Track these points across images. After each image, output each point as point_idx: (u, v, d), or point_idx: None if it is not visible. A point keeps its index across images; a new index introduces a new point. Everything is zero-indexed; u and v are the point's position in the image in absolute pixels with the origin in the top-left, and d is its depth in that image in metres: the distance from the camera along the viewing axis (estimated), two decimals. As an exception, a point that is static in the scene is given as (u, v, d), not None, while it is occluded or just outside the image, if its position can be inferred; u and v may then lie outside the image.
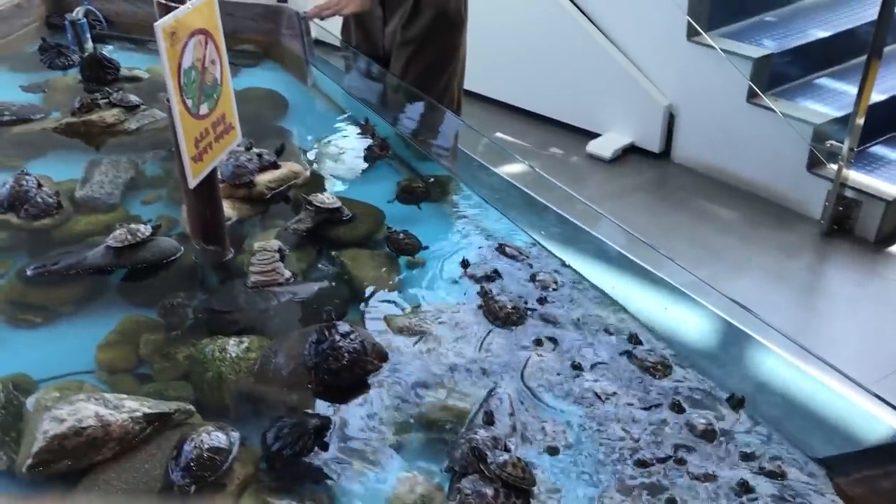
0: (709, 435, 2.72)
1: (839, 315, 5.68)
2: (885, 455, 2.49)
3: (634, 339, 3.14)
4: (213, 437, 2.65)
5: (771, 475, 2.57)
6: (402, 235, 3.78)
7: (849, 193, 6.24)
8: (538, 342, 3.14)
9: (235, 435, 2.69)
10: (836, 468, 2.57)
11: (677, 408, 2.82)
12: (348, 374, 2.90)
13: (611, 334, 3.19)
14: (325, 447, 2.72)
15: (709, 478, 2.57)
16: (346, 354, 2.91)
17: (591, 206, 3.93)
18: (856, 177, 6.25)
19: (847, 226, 6.35)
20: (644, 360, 3.04)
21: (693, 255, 6.03)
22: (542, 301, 3.35)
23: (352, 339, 2.96)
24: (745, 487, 2.52)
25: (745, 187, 6.91)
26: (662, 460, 2.64)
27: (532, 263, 3.61)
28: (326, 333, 2.96)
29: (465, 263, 3.56)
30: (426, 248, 3.70)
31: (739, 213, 6.79)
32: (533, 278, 3.48)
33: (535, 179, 4.36)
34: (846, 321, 5.58)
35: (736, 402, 2.85)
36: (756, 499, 2.51)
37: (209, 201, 3.48)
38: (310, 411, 2.83)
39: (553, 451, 2.68)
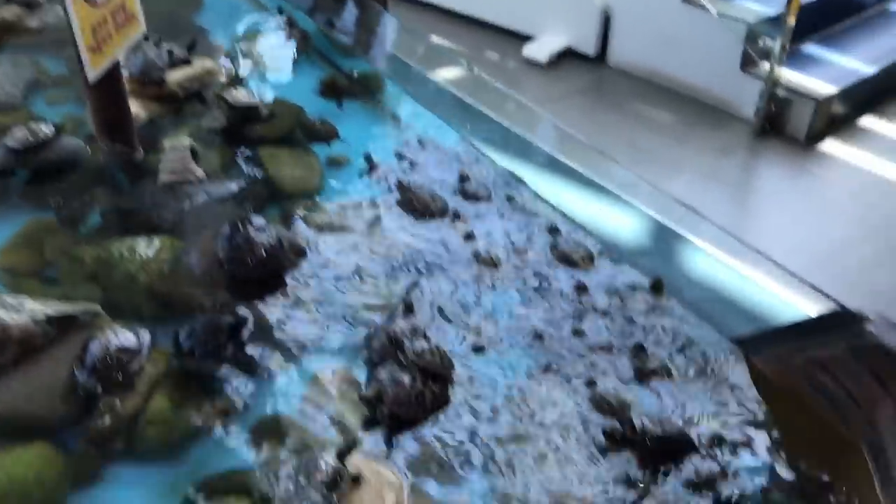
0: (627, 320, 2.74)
1: (771, 212, 5.74)
2: (798, 333, 2.51)
3: (554, 231, 3.11)
4: (122, 337, 2.56)
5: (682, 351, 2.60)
6: (318, 123, 3.67)
7: (781, 93, 6.24)
8: (468, 236, 3.08)
9: (146, 335, 2.60)
10: (752, 347, 2.59)
11: (579, 288, 2.83)
12: (263, 269, 2.81)
13: (536, 228, 3.14)
14: (241, 346, 2.64)
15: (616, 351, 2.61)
16: (261, 248, 2.81)
17: (527, 105, 3.86)
18: (788, 76, 6.24)
19: (779, 125, 6.38)
20: (569, 252, 3.01)
21: (629, 157, 6.00)
22: (465, 194, 3.28)
23: (267, 234, 2.86)
24: (638, 352, 2.60)
25: (680, 89, 6.87)
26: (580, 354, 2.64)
27: (461, 161, 3.52)
28: (240, 227, 2.85)
29: (368, 159, 3.44)
30: (341, 139, 3.61)
31: (674, 115, 6.76)
32: (462, 178, 3.39)
33: (469, 79, 4.24)
34: (778, 217, 5.65)
35: (656, 286, 2.85)
36: (670, 373, 2.54)
37: (114, 97, 3.28)
38: (225, 310, 2.74)
39: (478, 349, 2.64)
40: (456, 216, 3.16)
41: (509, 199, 3.29)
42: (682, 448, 2.28)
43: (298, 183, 3.39)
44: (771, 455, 2.32)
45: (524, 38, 7.68)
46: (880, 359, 2.20)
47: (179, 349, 2.58)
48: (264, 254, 2.80)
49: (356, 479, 2.14)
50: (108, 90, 3.24)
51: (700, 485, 2.22)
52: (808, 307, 2.67)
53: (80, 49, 2.99)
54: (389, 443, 2.34)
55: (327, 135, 3.63)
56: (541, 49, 7.53)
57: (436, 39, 5.69)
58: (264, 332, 2.68)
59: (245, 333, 2.63)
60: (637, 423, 2.30)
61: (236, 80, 4.02)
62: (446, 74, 4.24)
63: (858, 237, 5.46)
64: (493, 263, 2.95)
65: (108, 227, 3.13)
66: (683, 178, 6.04)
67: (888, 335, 2.24)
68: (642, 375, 2.53)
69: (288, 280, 2.88)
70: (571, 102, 7.14)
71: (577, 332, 2.68)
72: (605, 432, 2.31)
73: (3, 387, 2.45)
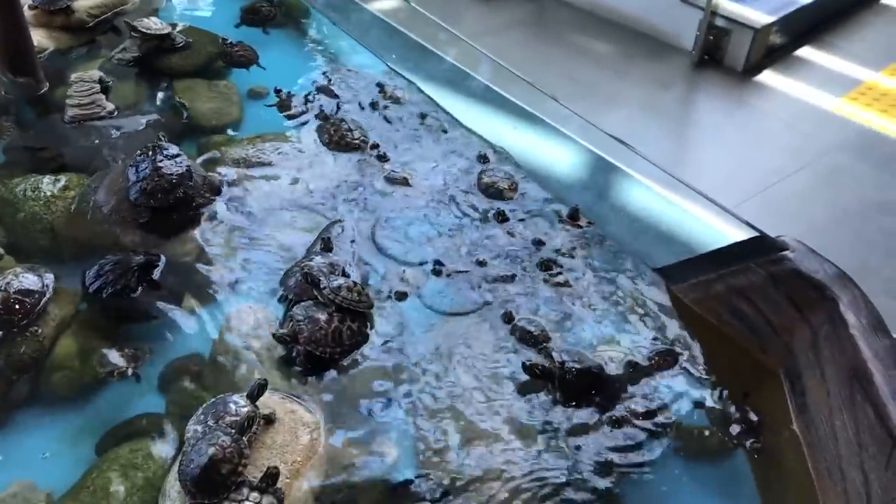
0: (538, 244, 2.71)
1: (708, 143, 5.71)
2: (718, 261, 2.49)
3: (483, 159, 3.04)
4: (23, 278, 2.43)
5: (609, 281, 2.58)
6: (236, 48, 3.54)
7: (719, 23, 6.17)
8: (381, 157, 2.99)
9: (49, 276, 2.48)
10: (673, 276, 2.57)
11: (500, 217, 2.78)
12: (172, 198, 2.68)
13: (461, 156, 3.07)
14: (154, 285, 2.54)
15: (560, 285, 2.57)
16: (170, 176, 2.68)
17: (460, 37, 3.74)
18: (726, 5, 6.16)
19: (717, 56, 6.31)
20: (495, 182, 2.94)
21: (568, 90, 5.89)
22: (383, 114, 3.19)
23: (178, 162, 2.73)
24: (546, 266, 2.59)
25: (621, 20, 6.75)
26: (504, 278, 2.59)
27: (386, 92, 3.40)
28: (150, 153, 2.72)
29: (278, 93, 3.33)
30: (263, 67, 3.50)
31: (614, 47, 6.66)
32: (374, 106, 3.28)
33: (401, 11, 4.09)
34: (714, 148, 5.61)
35: (573, 213, 2.80)
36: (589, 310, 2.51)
37: (12, 25, 3.08)
38: (136, 249, 2.62)
39: (401, 295, 2.57)
40: (375, 147, 3.05)
41: (432, 129, 3.19)
42: (600, 381, 2.26)
43: (215, 116, 3.25)
44: (688, 382, 2.32)
45: (464, -32, 7.46)
46: (798, 286, 2.19)
47: (87, 289, 2.47)
48: (173, 181, 2.69)
49: (269, 419, 2.07)
50: (6, 18, 3.04)
51: (618, 418, 2.22)
52: (735, 236, 2.65)
53: (-30, -27, 2.78)
54: (304, 380, 2.28)
55: (247, 60, 3.48)
56: (481, -21, 7.32)
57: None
58: (176, 271, 2.58)
59: (155, 273, 2.52)
60: (556, 357, 2.26)
61: (151, 9, 3.81)
62: (379, 5, 4.09)
63: (794, 167, 5.46)
64: (407, 185, 2.87)
65: (12, 164, 2.97)
66: (622, 110, 5.96)
67: (807, 262, 2.22)
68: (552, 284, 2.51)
69: (202, 218, 2.76)
70: (511, 34, 6.97)
71: (483, 263, 2.63)
72: (525, 366, 2.27)
73: None
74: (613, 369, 2.32)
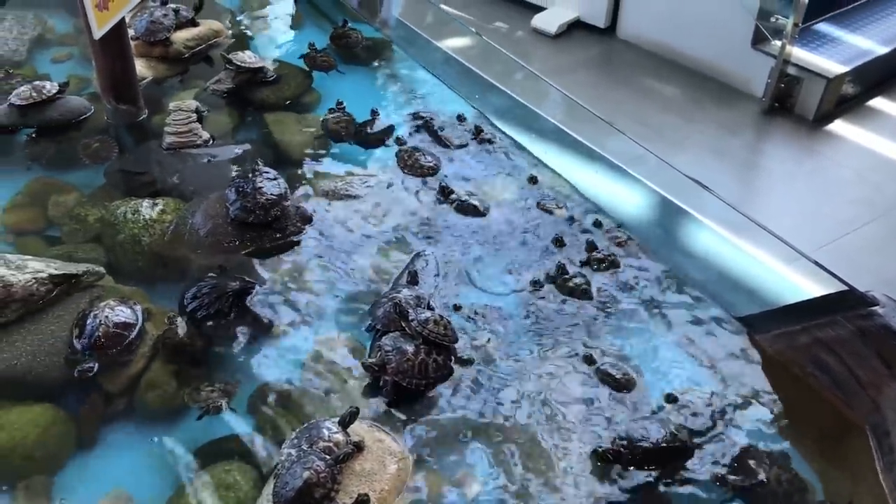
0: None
1: (776, 191, 5.68)
2: (804, 312, 2.50)
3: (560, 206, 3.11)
4: (119, 311, 2.50)
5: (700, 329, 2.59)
6: (321, 54, 3.72)
7: (791, 71, 6.16)
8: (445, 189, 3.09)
9: (138, 307, 2.56)
10: (757, 326, 2.58)
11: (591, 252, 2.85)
12: (269, 217, 2.80)
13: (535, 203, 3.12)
14: (246, 311, 2.63)
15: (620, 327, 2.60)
16: (270, 195, 2.81)
17: (539, 76, 3.82)
18: (799, 54, 6.14)
19: (788, 104, 6.29)
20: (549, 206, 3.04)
21: (636, 132, 5.92)
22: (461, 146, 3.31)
23: (277, 184, 2.86)
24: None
25: (690, 64, 6.77)
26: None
27: (467, 128, 3.48)
28: (251, 174, 2.85)
29: (397, 140, 3.39)
30: (342, 72, 3.71)
31: (683, 91, 6.68)
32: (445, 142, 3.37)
33: (480, 50, 4.19)
34: (783, 197, 5.58)
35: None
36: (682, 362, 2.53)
37: (119, 56, 3.24)
38: (232, 273, 2.72)
39: (457, 307, 2.63)
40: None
41: (511, 165, 3.26)
42: (671, 452, 2.26)
43: (305, 148, 3.36)
44: (769, 435, 2.32)
45: (534, 9, 7.57)
46: (888, 342, 2.19)
47: (184, 308, 2.57)
48: (269, 201, 2.83)
49: (358, 447, 2.13)
50: (114, 49, 3.20)
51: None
52: (814, 287, 2.65)
53: (87, 6, 2.95)
54: (390, 410, 2.34)
55: (328, 66, 3.79)
56: (550, 19, 7.42)
57: (445, 7, 5.58)
58: (268, 296, 2.67)
59: (251, 299, 2.61)
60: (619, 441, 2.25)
61: (243, 43, 3.96)
62: (454, 43, 4.20)
63: (864, 218, 5.40)
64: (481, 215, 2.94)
65: (112, 187, 3.11)
66: (690, 155, 5.96)
67: None
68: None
69: (293, 246, 2.86)
70: (579, 75, 7.04)
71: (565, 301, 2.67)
72: (595, 453, 2.25)
73: (6, 345, 2.45)
74: (691, 422, 2.33)
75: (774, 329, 2.52)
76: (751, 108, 6.47)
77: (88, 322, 2.47)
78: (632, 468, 2.21)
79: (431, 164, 3.11)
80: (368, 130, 3.42)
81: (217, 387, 2.37)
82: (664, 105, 6.66)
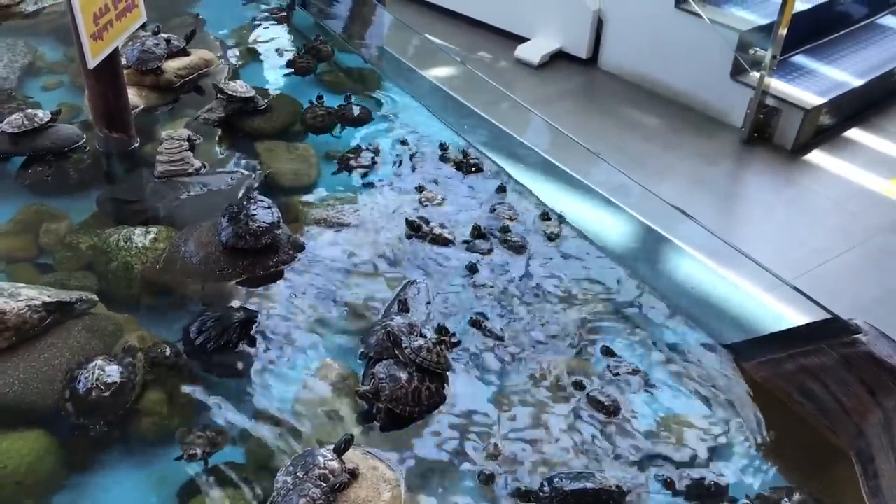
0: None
1: (755, 220, 5.80)
2: (789, 340, 2.55)
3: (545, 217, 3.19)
4: (109, 372, 2.41)
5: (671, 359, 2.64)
6: (301, 59, 3.88)
7: (770, 102, 6.30)
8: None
9: (126, 360, 2.50)
10: (742, 353, 2.63)
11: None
12: (260, 244, 2.81)
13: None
14: (252, 341, 2.64)
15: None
16: (262, 222, 2.82)
17: (524, 105, 3.91)
18: (777, 85, 6.30)
19: (766, 133, 6.43)
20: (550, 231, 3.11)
21: (616, 162, 6.01)
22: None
23: (270, 213, 2.88)
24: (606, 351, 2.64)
25: (670, 95, 6.91)
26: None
27: (452, 159, 3.53)
28: (244, 201, 2.87)
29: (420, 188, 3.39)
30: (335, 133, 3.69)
31: (663, 121, 6.81)
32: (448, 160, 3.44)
33: (465, 80, 4.26)
34: (762, 225, 5.70)
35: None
36: (658, 386, 2.57)
37: (112, 85, 3.27)
38: (234, 304, 2.74)
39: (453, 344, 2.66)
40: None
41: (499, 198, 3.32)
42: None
43: (295, 178, 3.39)
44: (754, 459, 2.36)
45: (518, 40, 7.70)
46: (871, 369, 2.25)
47: (191, 343, 2.57)
48: (265, 228, 2.84)
49: (353, 474, 2.15)
50: (107, 78, 3.23)
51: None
52: (798, 315, 2.71)
53: (81, 36, 2.98)
54: (384, 437, 2.36)
55: (325, 127, 3.73)
56: (533, 50, 7.56)
57: (430, 38, 5.67)
58: (260, 323, 2.69)
59: (254, 328, 2.63)
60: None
61: (234, 72, 4.01)
62: (440, 72, 4.26)
63: (842, 247, 5.53)
64: (474, 270, 2.97)
65: (104, 215, 3.12)
66: (669, 183, 6.07)
67: (879, 346, 2.28)
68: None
69: (285, 274, 2.88)
70: (561, 105, 7.16)
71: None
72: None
73: (-1, 373, 2.45)
74: (678, 446, 2.38)
75: (760, 356, 2.57)
76: (730, 137, 6.66)
77: (80, 385, 2.39)
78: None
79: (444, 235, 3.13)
80: (347, 114, 3.66)
81: (206, 434, 2.34)
82: (645, 135, 6.82)
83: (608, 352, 2.66)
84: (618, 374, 2.58)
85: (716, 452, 2.39)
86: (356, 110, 3.77)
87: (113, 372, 2.42)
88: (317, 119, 3.67)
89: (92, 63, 3.04)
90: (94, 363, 2.44)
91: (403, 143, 3.61)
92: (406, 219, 3.12)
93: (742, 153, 6.54)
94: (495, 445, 2.36)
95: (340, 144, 3.60)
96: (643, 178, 4.59)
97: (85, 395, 2.37)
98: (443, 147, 3.57)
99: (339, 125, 3.71)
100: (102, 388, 2.37)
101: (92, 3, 2.99)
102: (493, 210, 3.23)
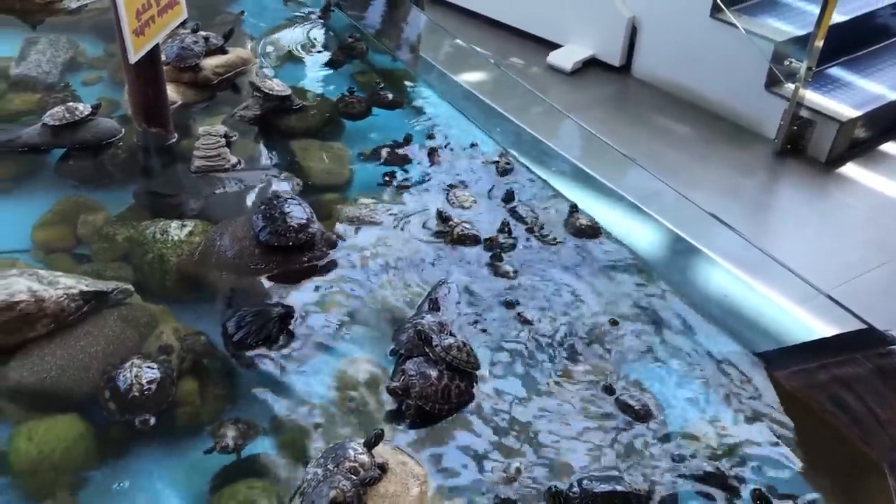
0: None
1: (787, 232, 5.74)
2: (823, 350, 2.53)
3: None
4: (147, 370, 2.43)
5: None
6: (350, 99, 3.79)
7: (804, 113, 6.24)
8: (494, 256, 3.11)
9: (161, 357, 2.54)
10: (774, 362, 2.61)
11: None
12: (294, 241, 2.83)
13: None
14: (290, 336, 2.66)
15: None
16: (296, 219, 2.86)
17: (557, 109, 3.92)
18: (812, 97, 6.24)
19: (800, 146, 6.38)
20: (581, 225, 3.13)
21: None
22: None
23: (303, 209, 2.92)
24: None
25: (703, 104, 6.88)
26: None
27: (487, 165, 3.54)
28: (277, 199, 2.91)
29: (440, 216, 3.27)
30: (375, 115, 3.75)
31: (695, 130, 6.77)
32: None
33: (498, 82, 4.29)
34: (794, 238, 5.65)
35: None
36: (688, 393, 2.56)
37: (152, 80, 3.32)
38: (271, 299, 2.77)
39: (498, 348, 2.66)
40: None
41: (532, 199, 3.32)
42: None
43: (329, 177, 3.42)
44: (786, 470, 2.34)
45: (550, 46, 7.70)
46: (906, 380, 2.23)
47: (230, 338, 2.60)
48: (300, 224, 2.87)
49: (382, 468, 2.16)
50: (148, 74, 3.28)
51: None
52: (832, 326, 2.69)
53: (124, 31, 3.02)
54: (413, 433, 2.37)
55: (358, 114, 3.81)
56: (566, 57, 7.55)
57: (464, 43, 5.69)
58: (295, 320, 2.71)
59: (293, 323, 2.65)
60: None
61: (270, 71, 4.05)
62: (474, 74, 4.28)
63: (875, 261, 5.46)
64: (509, 275, 2.97)
65: (140, 208, 3.17)
66: (700, 193, 6.02)
67: (914, 357, 2.26)
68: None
69: (318, 271, 2.91)
70: (592, 112, 7.14)
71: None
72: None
73: (37, 359, 2.49)
74: (707, 452, 2.36)
75: (792, 366, 2.55)
76: (763, 149, 6.59)
77: (120, 384, 2.42)
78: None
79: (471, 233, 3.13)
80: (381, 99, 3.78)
81: (238, 426, 2.37)
82: (677, 144, 6.78)
83: (639, 356, 2.64)
84: (647, 379, 2.57)
85: (745, 460, 2.37)
86: (389, 95, 3.87)
87: (150, 370, 2.44)
88: (349, 107, 3.73)
89: (133, 58, 3.08)
90: (130, 362, 2.46)
91: (430, 136, 3.66)
92: (437, 209, 3.16)
93: (775, 165, 6.48)
94: (523, 445, 2.36)
95: (372, 143, 3.61)
96: (675, 188, 4.59)
97: (125, 393, 2.38)
98: (473, 146, 3.58)
99: (371, 109, 3.78)
100: (142, 385, 2.40)
101: (135, -1, 3.04)
102: (520, 209, 3.23)
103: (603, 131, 6.74)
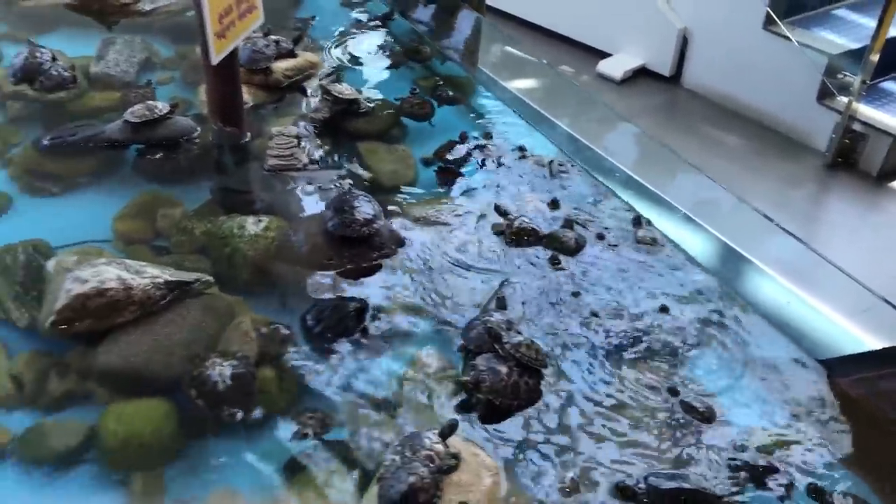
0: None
1: (838, 245, 5.73)
2: (884, 358, 2.57)
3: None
4: (227, 366, 2.54)
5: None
6: (415, 100, 3.92)
7: (856, 127, 6.23)
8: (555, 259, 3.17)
9: (240, 354, 2.63)
10: (837, 369, 2.65)
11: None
12: (363, 234, 2.97)
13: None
14: (365, 330, 2.76)
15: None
16: (365, 214, 3.00)
17: (614, 112, 3.99)
18: (865, 111, 6.22)
19: (851, 159, 6.36)
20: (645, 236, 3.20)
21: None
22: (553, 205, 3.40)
23: (372, 206, 3.05)
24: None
25: (754, 116, 6.89)
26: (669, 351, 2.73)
27: (551, 170, 3.62)
28: (347, 195, 3.04)
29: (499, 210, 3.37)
30: (437, 117, 3.87)
31: (746, 142, 6.78)
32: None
33: (555, 87, 4.37)
34: (846, 251, 5.63)
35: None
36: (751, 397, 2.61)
37: (230, 81, 3.45)
38: (345, 294, 2.88)
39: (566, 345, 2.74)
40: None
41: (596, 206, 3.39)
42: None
43: (395, 177, 3.52)
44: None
45: (600, 55, 7.76)
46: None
47: (309, 331, 2.72)
48: (367, 219, 3.01)
49: (456, 458, 2.24)
50: (226, 74, 3.41)
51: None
52: (892, 335, 2.73)
53: (207, 34, 3.15)
54: (483, 427, 2.45)
55: (422, 116, 3.92)
56: (616, 66, 7.60)
57: (520, 51, 5.77)
58: (367, 314, 2.81)
59: (367, 317, 2.75)
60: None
61: (338, 75, 4.17)
62: (531, 82, 4.37)
63: (927, 277, 5.44)
64: (572, 274, 3.04)
65: (216, 203, 3.29)
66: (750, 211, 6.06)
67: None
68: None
69: (385, 267, 3.00)
70: (642, 121, 7.15)
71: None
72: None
73: (124, 344, 2.62)
74: (769, 456, 2.41)
75: (855, 373, 2.59)
76: (814, 161, 6.60)
77: (206, 379, 2.52)
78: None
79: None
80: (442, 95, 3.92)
81: (317, 416, 2.47)
82: (727, 155, 6.80)
83: (702, 359, 2.70)
84: (711, 382, 2.63)
85: (806, 466, 2.42)
86: (450, 97, 4.01)
87: (232, 366, 2.54)
88: (414, 107, 3.86)
89: (215, 59, 3.21)
90: (211, 360, 2.57)
91: (488, 136, 3.76)
92: (495, 204, 3.27)
93: (825, 178, 6.47)
94: (589, 441, 2.43)
95: (435, 143, 3.71)
96: (725, 198, 4.63)
97: (212, 389, 2.49)
98: (522, 149, 3.69)
99: (433, 112, 3.92)
100: (226, 382, 2.50)
101: (218, 3, 3.16)
102: (575, 210, 3.32)
103: (652, 140, 6.78)
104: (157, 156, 3.49)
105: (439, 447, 2.22)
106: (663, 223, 3.30)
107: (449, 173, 3.54)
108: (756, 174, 6.53)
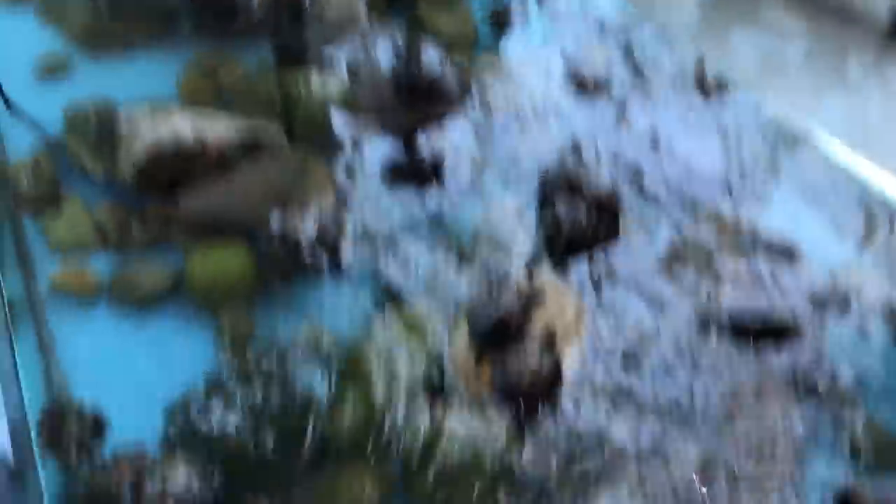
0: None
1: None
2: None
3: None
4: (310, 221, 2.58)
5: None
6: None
7: (917, -4, 5.99)
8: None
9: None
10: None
11: None
12: (429, 84, 2.95)
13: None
14: (442, 181, 2.75)
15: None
16: (430, 63, 3.00)
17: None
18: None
19: (909, 29, 6.15)
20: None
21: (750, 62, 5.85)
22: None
23: (438, 55, 3.06)
24: None
25: (806, -10, 6.65)
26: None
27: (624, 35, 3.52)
28: (413, 47, 3.04)
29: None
30: None
31: (803, 14, 6.57)
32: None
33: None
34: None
35: None
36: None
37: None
38: (420, 146, 2.88)
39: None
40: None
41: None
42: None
43: (455, 36, 3.45)
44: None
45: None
46: None
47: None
48: (434, 66, 3.02)
49: (542, 290, 2.28)
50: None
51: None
52: None
53: None
54: (562, 270, 2.47)
55: None
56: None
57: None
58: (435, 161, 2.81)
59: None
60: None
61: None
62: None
63: None
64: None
65: (278, 60, 3.25)
66: (806, 79, 5.89)
67: None
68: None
69: (455, 118, 2.98)
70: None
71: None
72: None
73: (204, 193, 2.65)
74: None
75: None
76: (871, 32, 6.32)
77: (291, 226, 2.57)
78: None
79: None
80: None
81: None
82: (780, 33, 6.55)
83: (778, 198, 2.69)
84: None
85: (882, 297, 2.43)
86: None
87: (314, 218, 2.58)
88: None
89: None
90: (291, 209, 2.60)
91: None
92: (560, 50, 3.25)
93: (884, 47, 6.25)
94: (667, 282, 2.45)
95: (491, 6, 3.63)
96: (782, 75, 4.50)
97: (294, 236, 2.54)
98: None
99: None
100: (307, 234, 2.56)
101: None
102: (641, 60, 3.28)
103: (698, 15, 6.56)
104: (219, 17, 3.42)
105: (526, 280, 2.25)
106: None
107: (509, 28, 3.47)
108: (812, 49, 6.34)
